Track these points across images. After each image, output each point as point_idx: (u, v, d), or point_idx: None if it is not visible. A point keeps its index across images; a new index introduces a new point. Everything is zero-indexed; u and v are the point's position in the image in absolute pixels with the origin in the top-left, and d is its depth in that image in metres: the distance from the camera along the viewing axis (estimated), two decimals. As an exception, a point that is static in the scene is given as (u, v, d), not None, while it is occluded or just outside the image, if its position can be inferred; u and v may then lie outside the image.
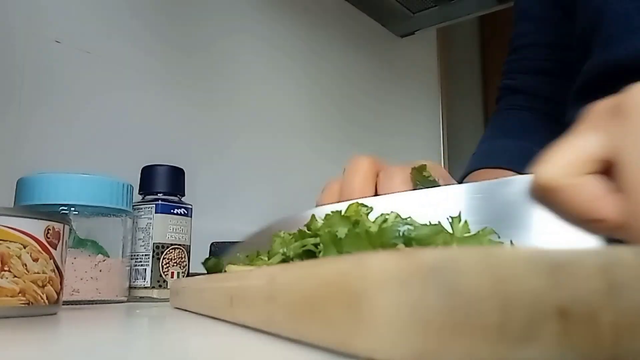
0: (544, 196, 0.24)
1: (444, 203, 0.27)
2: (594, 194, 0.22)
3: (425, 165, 0.33)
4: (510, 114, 0.62)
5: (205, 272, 0.39)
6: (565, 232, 0.23)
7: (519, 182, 0.26)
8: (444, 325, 0.11)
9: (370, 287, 0.12)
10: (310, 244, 0.26)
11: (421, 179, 0.32)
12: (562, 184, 0.23)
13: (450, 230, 0.24)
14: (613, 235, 0.22)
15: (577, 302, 0.11)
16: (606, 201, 0.22)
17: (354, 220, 0.25)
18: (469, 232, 0.24)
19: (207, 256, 0.41)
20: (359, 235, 0.23)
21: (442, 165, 1.56)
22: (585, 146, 0.23)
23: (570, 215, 0.23)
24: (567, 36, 0.54)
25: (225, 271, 0.35)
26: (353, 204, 0.28)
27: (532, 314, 0.11)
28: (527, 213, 0.25)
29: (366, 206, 0.28)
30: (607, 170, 0.23)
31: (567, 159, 0.23)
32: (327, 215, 0.26)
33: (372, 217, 0.26)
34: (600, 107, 0.24)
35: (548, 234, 0.24)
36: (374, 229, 0.23)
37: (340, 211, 0.27)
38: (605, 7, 0.45)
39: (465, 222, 0.25)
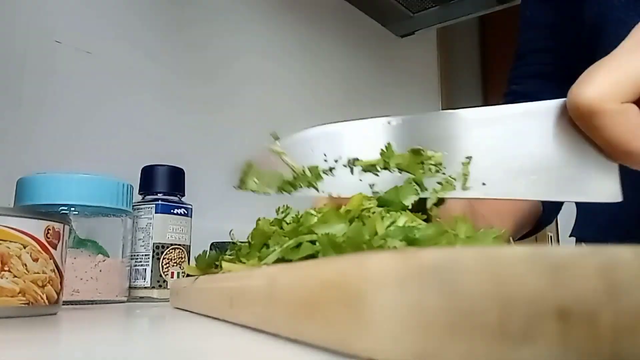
0: (582, 118, 0.21)
1: None
2: (637, 124, 0.20)
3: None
4: None
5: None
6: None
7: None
8: (443, 325, 0.11)
9: (370, 287, 0.12)
10: (306, 241, 0.26)
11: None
12: (605, 108, 0.20)
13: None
14: None
15: (577, 302, 0.11)
16: None
17: (350, 217, 0.25)
18: (473, 233, 0.24)
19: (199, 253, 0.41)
20: (359, 244, 0.23)
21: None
22: (637, 67, 0.20)
23: (607, 141, 0.20)
24: (571, 42, 0.54)
25: (219, 266, 0.35)
26: (357, 194, 0.28)
27: (531, 314, 0.11)
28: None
29: (370, 199, 0.28)
30: None
31: (613, 78, 0.20)
32: (321, 209, 0.26)
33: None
34: None
35: None
36: (380, 230, 0.23)
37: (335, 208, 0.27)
38: (608, 13, 0.45)
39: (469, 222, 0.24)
